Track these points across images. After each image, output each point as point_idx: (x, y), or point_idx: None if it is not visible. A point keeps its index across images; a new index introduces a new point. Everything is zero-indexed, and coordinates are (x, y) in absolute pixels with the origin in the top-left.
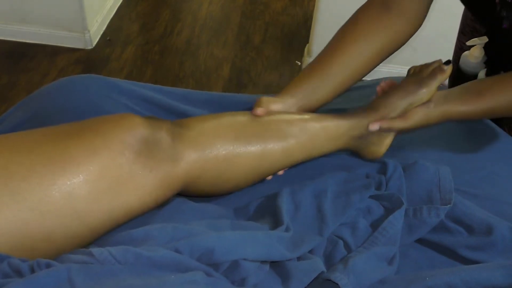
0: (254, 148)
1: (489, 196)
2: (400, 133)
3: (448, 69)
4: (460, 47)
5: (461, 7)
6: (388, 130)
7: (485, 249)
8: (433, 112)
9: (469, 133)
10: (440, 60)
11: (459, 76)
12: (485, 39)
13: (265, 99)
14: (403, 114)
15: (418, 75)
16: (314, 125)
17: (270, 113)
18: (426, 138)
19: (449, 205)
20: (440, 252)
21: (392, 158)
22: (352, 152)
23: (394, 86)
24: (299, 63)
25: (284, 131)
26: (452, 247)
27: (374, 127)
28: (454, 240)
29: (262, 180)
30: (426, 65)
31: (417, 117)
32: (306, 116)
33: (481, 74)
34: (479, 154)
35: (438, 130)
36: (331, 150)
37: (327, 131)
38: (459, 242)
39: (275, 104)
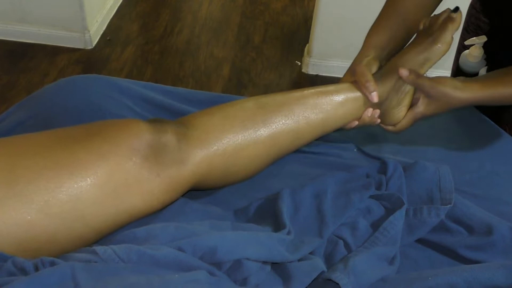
0: (262, 136)
1: (489, 196)
2: (424, 106)
3: (458, 16)
4: (463, 45)
5: (465, 5)
6: (413, 82)
7: (485, 249)
8: (461, 86)
9: (469, 133)
10: (448, 9)
11: (460, 75)
12: (483, 38)
13: (364, 67)
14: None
15: (429, 29)
16: (332, 102)
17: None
18: (426, 137)
19: (449, 205)
20: (440, 252)
21: (392, 158)
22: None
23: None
24: (299, 63)
25: (296, 113)
26: (452, 247)
27: (404, 72)
28: (454, 240)
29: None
30: (435, 17)
31: (446, 84)
32: (325, 89)
33: (482, 72)
34: (479, 154)
35: (438, 130)
36: (350, 121)
37: (346, 106)
38: (459, 242)
39: (373, 66)
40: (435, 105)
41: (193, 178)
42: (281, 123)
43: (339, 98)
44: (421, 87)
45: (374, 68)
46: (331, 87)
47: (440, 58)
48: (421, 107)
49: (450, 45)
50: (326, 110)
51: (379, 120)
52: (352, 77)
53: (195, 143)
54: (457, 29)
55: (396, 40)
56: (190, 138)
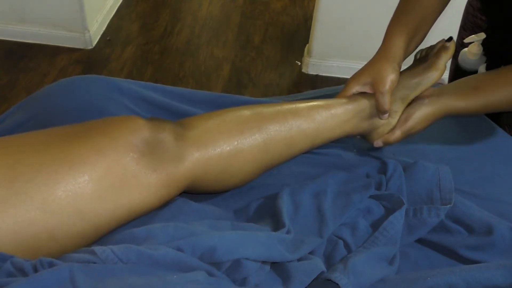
0: (257, 142)
1: (489, 196)
2: (406, 137)
3: (451, 45)
4: (461, 43)
5: (462, 2)
6: (391, 142)
7: (485, 249)
8: (429, 108)
9: (469, 133)
10: (442, 40)
11: (459, 73)
12: (482, 35)
13: (389, 79)
14: (399, 121)
15: (425, 58)
16: (322, 113)
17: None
18: (426, 138)
19: (449, 205)
20: (440, 252)
21: (392, 158)
22: (362, 137)
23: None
24: (299, 63)
25: (289, 122)
26: (452, 247)
27: (378, 144)
28: (454, 240)
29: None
30: (431, 47)
31: (414, 116)
32: (316, 103)
33: (481, 69)
34: (479, 154)
35: (438, 130)
36: (339, 135)
37: (336, 117)
38: (459, 242)
39: (395, 74)
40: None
41: (189, 176)
42: (275, 130)
43: (330, 111)
44: (399, 139)
45: (396, 80)
46: (323, 101)
47: (432, 85)
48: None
49: (443, 72)
50: (317, 121)
51: None
52: (368, 77)
53: (192, 142)
54: (450, 57)
55: (417, 37)
56: (187, 138)
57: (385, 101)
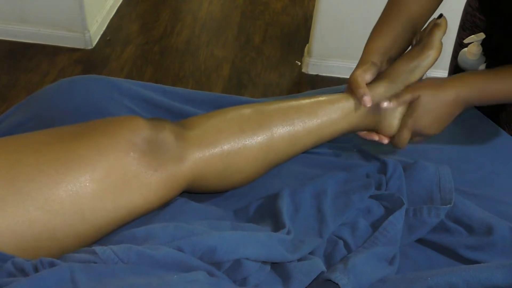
0: (260, 139)
1: (489, 196)
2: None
3: (443, 21)
4: (460, 43)
5: (461, 2)
6: (399, 104)
7: (485, 249)
8: (446, 82)
9: (469, 133)
10: (434, 19)
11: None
12: (482, 35)
13: (357, 75)
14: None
15: (420, 41)
16: (324, 106)
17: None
18: None
19: (449, 205)
20: (440, 252)
21: (392, 158)
22: (375, 131)
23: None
24: (299, 63)
25: (291, 117)
26: (452, 247)
27: (385, 104)
28: (454, 240)
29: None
30: (424, 29)
31: (427, 82)
32: (318, 98)
33: (481, 68)
34: (479, 154)
35: None
36: (343, 128)
37: (339, 110)
38: (459, 242)
39: (369, 72)
40: (426, 115)
41: (190, 176)
42: (277, 127)
43: (332, 104)
44: (405, 102)
45: (369, 74)
46: (324, 96)
47: (431, 65)
48: (410, 119)
49: (440, 50)
50: (321, 115)
51: (376, 137)
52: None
53: (193, 141)
54: (444, 33)
55: (400, 42)
56: (188, 137)
57: (356, 84)
